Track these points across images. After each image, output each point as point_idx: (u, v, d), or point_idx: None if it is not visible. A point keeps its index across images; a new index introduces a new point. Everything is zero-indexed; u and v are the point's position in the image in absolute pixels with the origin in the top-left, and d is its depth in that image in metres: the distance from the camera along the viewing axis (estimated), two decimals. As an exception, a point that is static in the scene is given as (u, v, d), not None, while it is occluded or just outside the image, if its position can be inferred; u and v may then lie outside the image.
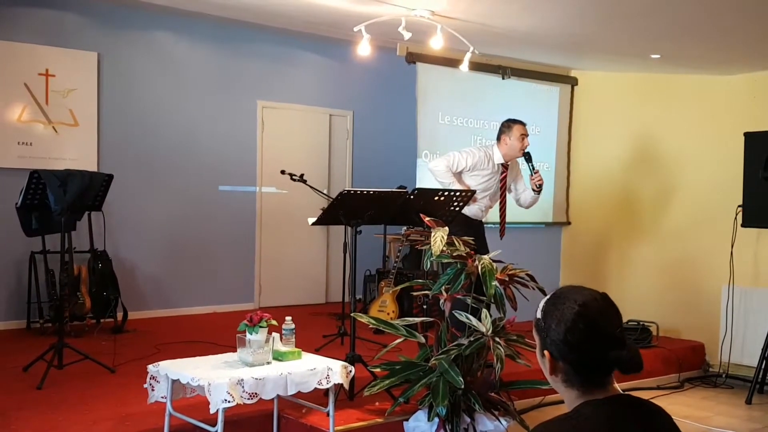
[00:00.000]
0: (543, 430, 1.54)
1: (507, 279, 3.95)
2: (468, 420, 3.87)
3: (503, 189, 5.26)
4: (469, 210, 5.13)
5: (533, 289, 3.92)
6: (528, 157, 5.15)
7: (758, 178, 5.48)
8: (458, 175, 5.15)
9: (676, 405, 5.27)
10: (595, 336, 1.54)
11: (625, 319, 6.51)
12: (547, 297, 1.65)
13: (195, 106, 6.94)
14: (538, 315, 1.64)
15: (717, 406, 5.33)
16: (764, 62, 6.07)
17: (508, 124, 5.13)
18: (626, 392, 1.63)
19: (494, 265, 3.90)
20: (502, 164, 5.18)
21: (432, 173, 5.17)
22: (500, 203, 5.36)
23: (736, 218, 5.62)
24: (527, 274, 4.05)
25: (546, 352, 1.60)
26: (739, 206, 5.57)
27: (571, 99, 7.38)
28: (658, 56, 6.16)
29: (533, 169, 5.14)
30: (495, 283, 3.74)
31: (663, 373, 5.96)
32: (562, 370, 1.58)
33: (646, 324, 6.21)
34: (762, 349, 5.52)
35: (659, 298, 6.64)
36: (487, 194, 5.24)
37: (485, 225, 5.43)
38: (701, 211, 6.50)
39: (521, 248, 6.95)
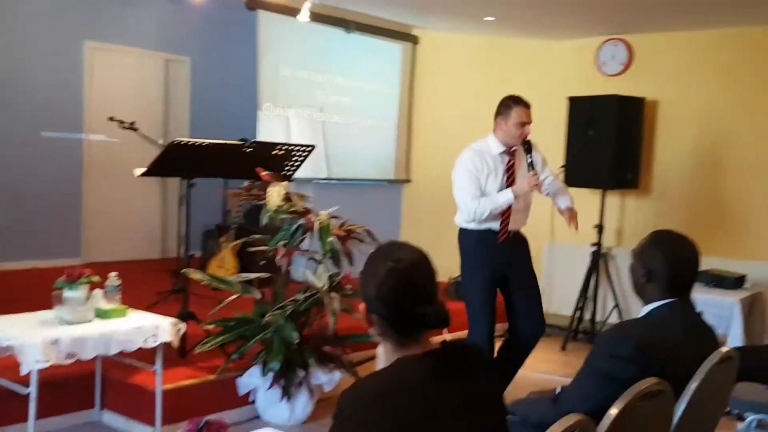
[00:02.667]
0: (362, 385, 1.56)
1: (344, 234, 3.98)
2: (302, 374, 3.90)
3: (510, 181, 4.05)
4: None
5: (370, 244, 3.98)
6: (528, 147, 4.00)
7: (580, 141, 5.84)
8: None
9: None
10: (402, 291, 1.58)
11: (457, 274, 6.77)
12: (372, 251, 1.69)
13: (13, 43, 6.33)
14: (362, 269, 1.69)
15: (536, 353, 5.64)
16: (588, 29, 6.41)
17: (507, 104, 4.01)
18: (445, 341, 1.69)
19: (331, 220, 3.91)
20: (504, 152, 4.06)
21: (477, 216, 4.00)
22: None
23: (558, 178, 5.97)
24: (365, 230, 4.10)
25: (363, 304, 1.64)
26: (561, 167, 5.92)
27: (413, 57, 7.47)
28: (492, 19, 6.33)
29: (530, 165, 3.98)
30: (331, 239, 3.75)
31: (491, 324, 6.28)
32: (376, 323, 1.63)
33: (477, 278, 6.49)
34: (576, 300, 5.97)
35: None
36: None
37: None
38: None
39: (363, 205, 7.00)
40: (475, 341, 4.05)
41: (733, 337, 4.55)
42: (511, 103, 4.01)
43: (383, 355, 1.67)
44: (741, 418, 3.42)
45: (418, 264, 1.62)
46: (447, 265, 6.68)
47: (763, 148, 5.77)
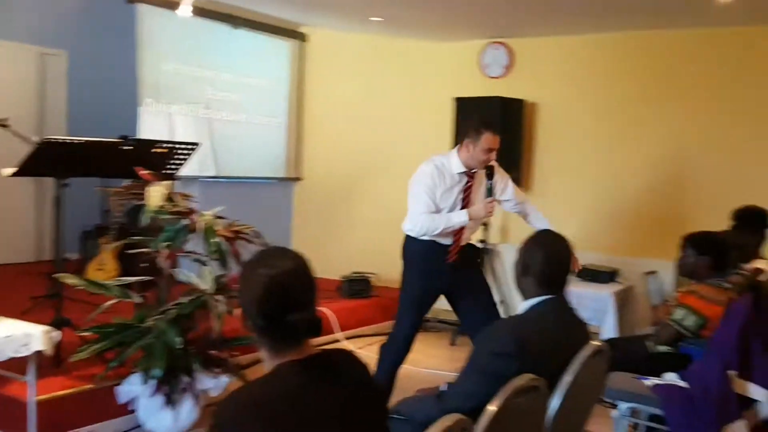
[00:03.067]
0: (238, 395, 1.55)
1: (232, 235, 3.90)
2: (187, 380, 3.79)
3: (465, 203, 4.00)
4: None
5: (259, 245, 3.92)
6: (489, 173, 3.96)
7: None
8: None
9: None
10: (274, 299, 1.57)
11: (349, 272, 6.75)
12: (250, 257, 1.68)
13: None
14: (239, 275, 1.68)
15: (426, 348, 5.78)
16: (471, 32, 6.56)
17: (477, 130, 3.90)
18: (326, 346, 1.69)
19: (217, 221, 3.82)
20: (464, 173, 3.98)
21: (427, 230, 3.98)
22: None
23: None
24: (253, 230, 4.03)
25: (240, 310, 1.64)
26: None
27: (302, 54, 7.41)
28: (379, 19, 6.37)
29: (489, 191, 3.96)
30: (217, 239, 3.66)
31: (382, 320, 6.32)
32: (252, 329, 1.63)
33: (367, 275, 6.54)
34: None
35: (380, 251, 6.98)
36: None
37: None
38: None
39: (253, 203, 6.90)
40: (395, 336, 4.19)
41: (607, 329, 4.78)
42: (482, 128, 3.91)
43: (264, 359, 1.65)
44: (615, 407, 3.60)
45: (294, 271, 1.60)
46: (339, 264, 6.78)
47: (635, 147, 6.08)
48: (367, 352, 5.80)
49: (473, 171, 3.98)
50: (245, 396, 1.52)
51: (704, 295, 3.64)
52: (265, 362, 1.64)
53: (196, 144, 4.56)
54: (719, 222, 4.66)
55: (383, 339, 5.94)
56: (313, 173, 7.55)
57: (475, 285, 4.14)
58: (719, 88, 5.73)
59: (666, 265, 5.28)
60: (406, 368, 5.04)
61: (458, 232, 4.03)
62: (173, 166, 4.50)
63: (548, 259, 2.39)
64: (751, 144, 5.62)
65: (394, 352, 4.15)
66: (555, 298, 2.39)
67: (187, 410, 3.81)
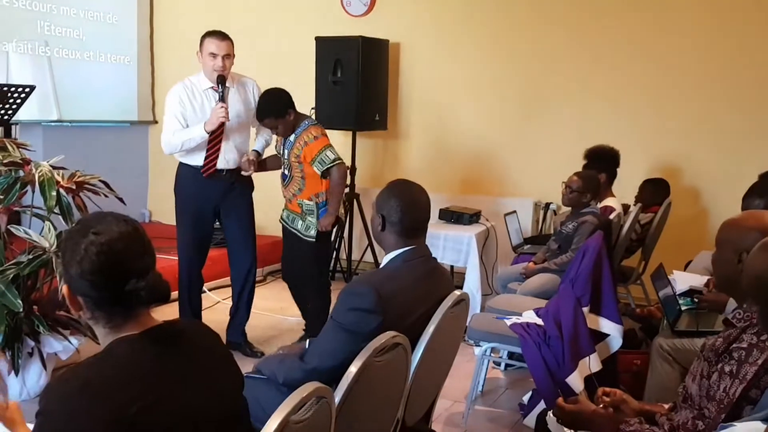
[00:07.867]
0: (68, 376, 1.39)
1: (75, 187, 3.60)
2: (32, 343, 3.53)
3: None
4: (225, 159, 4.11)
5: (107, 196, 3.66)
6: (221, 81, 3.99)
7: (327, 81, 5.82)
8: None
9: (258, 299, 5.54)
10: (107, 267, 1.41)
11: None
12: (71, 226, 1.50)
13: None
14: (61, 247, 1.51)
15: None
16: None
17: (203, 36, 4.04)
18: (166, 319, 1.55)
19: (56, 172, 3.50)
20: (211, 88, 4.07)
21: (171, 149, 4.12)
22: (211, 137, 4.05)
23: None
24: (101, 180, 3.75)
25: (65, 286, 1.45)
26: (312, 108, 5.86)
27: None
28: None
29: (221, 98, 3.99)
30: (54, 192, 3.35)
31: (250, 268, 6.17)
32: (84, 306, 1.45)
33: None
34: (332, 241, 6.05)
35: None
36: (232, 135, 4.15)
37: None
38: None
39: (103, 149, 6.47)
40: (180, 275, 4.25)
41: (471, 268, 4.87)
42: (204, 35, 4.06)
43: (99, 339, 1.48)
44: (478, 345, 3.69)
45: (124, 234, 1.44)
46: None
47: (496, 87, 6.10)
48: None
49: (219, 84, 4.02)
50: (75, 377, 1.37)
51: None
52: (101, 340, 1.47)
53: (32, 87, 4.14)
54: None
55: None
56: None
57: (239, 213, 4.28)
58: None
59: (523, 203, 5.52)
60: (274, 317, 4.95)
61: (212, 149, 4.08)
62: (7, 112, 4.07)
63: (405, 207, 2.31)
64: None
65: (183, 282, 4.23)
66: (414, 249, 2.33)
67: (36, 375, 3.60)
